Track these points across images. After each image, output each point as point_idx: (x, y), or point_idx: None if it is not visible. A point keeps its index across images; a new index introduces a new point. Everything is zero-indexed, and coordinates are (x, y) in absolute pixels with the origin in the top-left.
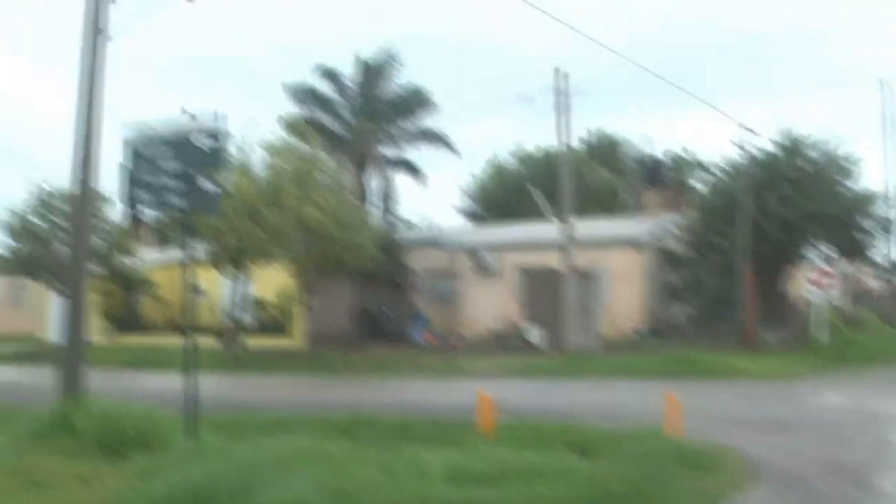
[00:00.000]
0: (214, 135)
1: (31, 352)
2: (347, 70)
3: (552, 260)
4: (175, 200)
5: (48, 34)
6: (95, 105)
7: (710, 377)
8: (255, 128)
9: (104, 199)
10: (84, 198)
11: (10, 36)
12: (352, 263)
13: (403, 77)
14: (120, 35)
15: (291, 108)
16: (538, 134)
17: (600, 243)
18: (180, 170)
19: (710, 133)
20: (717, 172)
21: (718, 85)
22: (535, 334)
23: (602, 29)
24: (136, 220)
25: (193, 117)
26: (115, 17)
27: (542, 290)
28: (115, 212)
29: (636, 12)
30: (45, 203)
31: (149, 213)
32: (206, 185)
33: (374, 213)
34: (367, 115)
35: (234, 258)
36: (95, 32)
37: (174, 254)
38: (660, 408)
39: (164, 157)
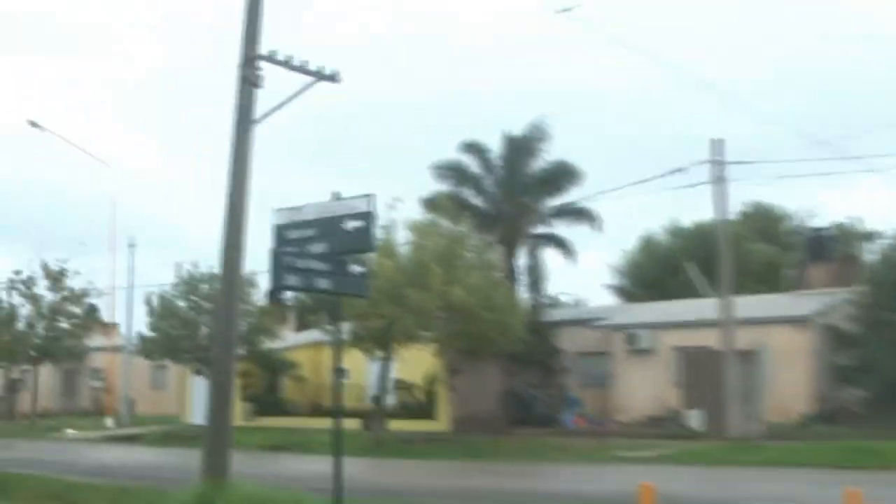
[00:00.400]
0: (363, 216)
1: (173, 433)
2: (494, 146)
3: (710, 339)
4: (323, 283)
5: (176, 116)
6: (242, 189)
7: (892, 469)
8: (399, 207)
9: (250, 281)
10: (231, 281)
11: (139, 115)
12: (499, 344)
13: (552, 150)
14: (266, 120)
15: (436, 187)
16: (691, 207)
17: (762, 321)
18: (328, 252)
19: (879, 201)
20: (890, 243)
21: (887, 149)
22: (693, 418)
23: (758, 95)
24: (279, 301)
25: (338, 196)
26: (262, 103)
27: (701, 372)
28: (259, 293)
29: (795, 77)
30: (190, 285)
31: (292, 295)
32: (354, 268)
33: (522, 292)
34: (513, 190)
35: (378, 339)
36: (244, 119)
37: (316, 335)
38: None
39: (312, 240)
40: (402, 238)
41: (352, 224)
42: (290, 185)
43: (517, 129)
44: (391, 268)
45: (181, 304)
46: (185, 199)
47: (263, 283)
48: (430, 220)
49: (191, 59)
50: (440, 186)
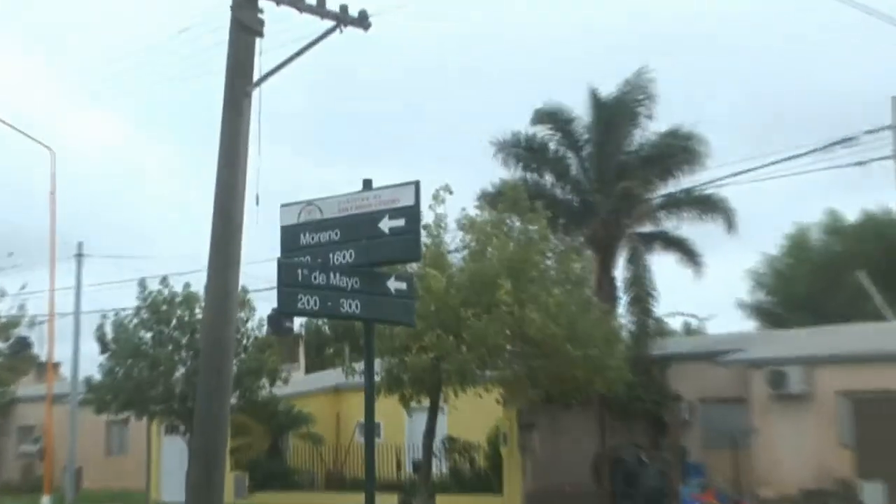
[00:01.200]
0: (406, 213)
1: None
2: (579, 113)
3: (894, 380)
4: (349, 307)
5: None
6: (236, 177)
7: None
8: (450, 200)
9: (246, 303)
10: (221, 303)
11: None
12: (591, 389)
13: (659, 116)
14: (270, 82)
15: (500, 173)
16: (859, 194)
17: None
18: (356, 263)
19: None
20: None
21: None
22: (871, 493)
23: None
24: (286, 331)
25: (370, 184)
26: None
27: (882, 426)
28: (258, 320)
29: None
30: (159, 310)
31: (301, 323)
32: (392, 283)
33: (622, 315)
34: (607, 173)
35: (423, 383)
36: (239, 79)
37: (336, 377)
38: None
39: (334, 247)
40: (456, 242)
41: (390, 223)
42: (301, 173)
43: (609, 89)
44: (442, 283)
45: (147, 335)
46: (155, 195)
47: (264, 306)
48: (493, 217)
49: (176, 16)
50: (505, 172)
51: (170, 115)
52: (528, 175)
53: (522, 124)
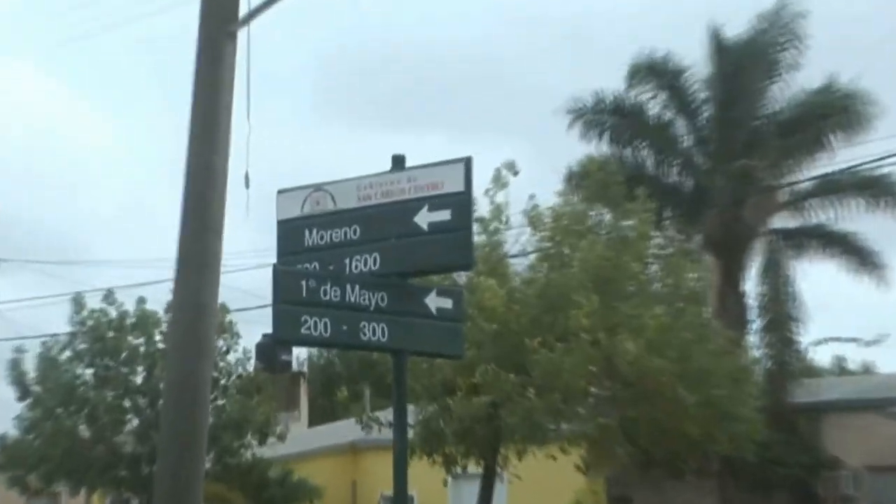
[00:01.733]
0: (453, 202)
1: None
2: (691, 64)
3: None
4: (373, 333)
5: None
6: (213, 150)
7: None
8: (512, 182)
9: (228, 328)
10: (194, 329)
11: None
12: (712, 449)
13: (807, 66)
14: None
15: (581, 149)
16: None
17: None
18: (383, 271)
19: None
20: None
21: None
22: None
23: None
24: (281, 367)
25: (401, 162)
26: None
27: None
28: (243, 351)
29: None
30: (101, 339)
31: (302, 356)
32: (433, 300)
33: (755, 344)
34: (731, 146)
35: (474, 439)
36: (217, 18)
37: (351, 431)
38: None
39: (350, 249)
40: (522, 243)
41: (430, 217)
42: (307, 146)
43: (736, 30)
44: (502, 300)
45: (85, 372)
46: (99, 180)
47: (252, 331)
48: (572, 207)
49: None
50: (589, 148)
51: (118, 76)
52: (620, 151)
53: (611, 85)
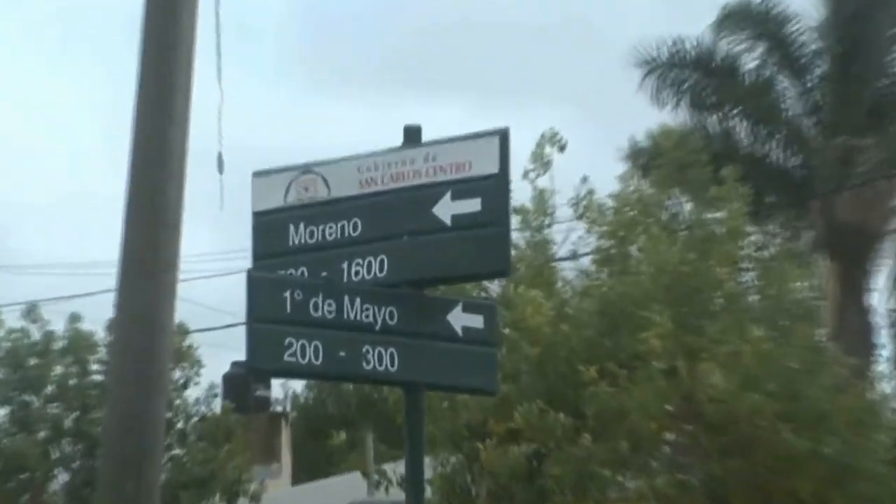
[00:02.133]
0: (486, 185)
1: None
2: (799, 12)
3: None
4: (379, 361)
5: None
6: (170, 112)
7: None
8: (558, 164)
9: (187, 355)
10: (144, 353)
11: None
12: None
13: None
14: None
15: (652, 118)
16: None
17: None
18: (393, 282)
19: None
20: None
21: None
22: None
23: None
24: (257, 406)
25: (415, 133)
26: None
27: None
28: (205, 384)
29: None
30: (21, 367)
31: (286, 390)
32: (459, 318)
33: (890, 379)
34: (857, 117)
35: (510, 499)
36: None
37: (347, 490)
38: None
39: (349, 250)
40: (573, 242)
41: (454, 207)
42: (294, 116)
43: None
44: (548, 316)
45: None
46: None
47: (219, 359)
48: (640, 193)
49: None
50: (661, 116)
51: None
52: (705, 119)
53: (690, 29)
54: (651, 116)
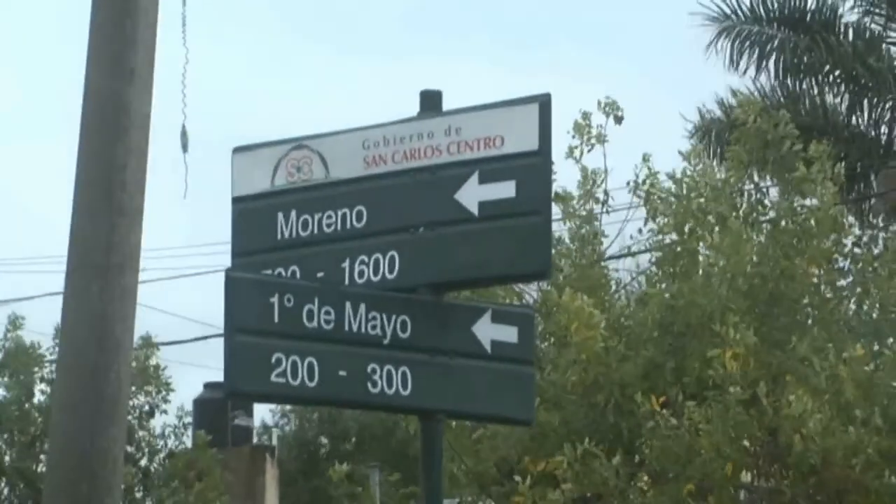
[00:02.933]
0: (525, 165)
1: None
2: None
3: None
4: (387, 383)
5: None
6: (127, 72)
7: None
8: (613, 138)
9: (153, 375)
10: (96, 373)
11: None
12: None
13: None
14: None
15: (721, 87)
16: None
17: None
18: (405, 286)
19: None
20: None
21: None
22: None
23: None
24: (236, 437)
25: (435, 100)
26: None
27: None
28: (174, 411)
29: None
30: None
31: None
32: (487, 330)
33: None
34: None
35: None
36: None
37: None
38: None
39: (354, 248)
40: (632, 234)
41: (482, 192)
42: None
43: None
44: (598, 330)
45: None
46: None
47: (191, 379)
48: (709, 177)
49: None
50: (739, 83)
51: None
52: (792, 85)
53: None
54: (723, 81)
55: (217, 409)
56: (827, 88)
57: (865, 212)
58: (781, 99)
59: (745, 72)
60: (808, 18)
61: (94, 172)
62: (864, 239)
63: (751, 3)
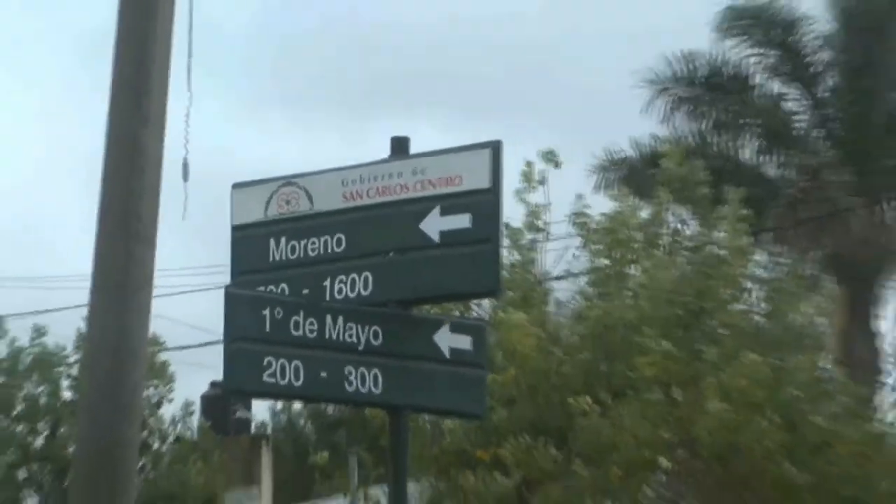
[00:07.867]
0: (477, 201)
1: None
2: (808, 16)
3: None
4: (362, 383)
5: None
6: (142, 114)
7: None
8: (553, 180)
9: (161, 372)
10: (114, 375)
11: None
12: None
13: None
14: None
15: (643, 129)
16: None
17: None
18: (378, 301)
19: None
20: None
21: None
22: None
23: None
24: (234, 428)
25: (402, 146)
26: None
27: None
28: (179, 404)
29: None
30: None
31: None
32: (447, 339)
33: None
34: (874, 132)
35: None
36: None
37: None
38: None
39: (336, 268)
40: (567, 261)
41: (443, 223)
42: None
43: None
44: (537, 340)
45: None
46: None
47: (194, 378)
48: (639, 212)
49: None
50: (661, 129)
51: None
52: (706, 134)
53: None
54: (637, 128)
55: (220, 404)
56: (739, 140)
57: (772, 243)
58: (697, 142)
59: (667, 122)
60: (715, 78)
61: (115, 205)
62: (769, 266)
63: (680, 67)
